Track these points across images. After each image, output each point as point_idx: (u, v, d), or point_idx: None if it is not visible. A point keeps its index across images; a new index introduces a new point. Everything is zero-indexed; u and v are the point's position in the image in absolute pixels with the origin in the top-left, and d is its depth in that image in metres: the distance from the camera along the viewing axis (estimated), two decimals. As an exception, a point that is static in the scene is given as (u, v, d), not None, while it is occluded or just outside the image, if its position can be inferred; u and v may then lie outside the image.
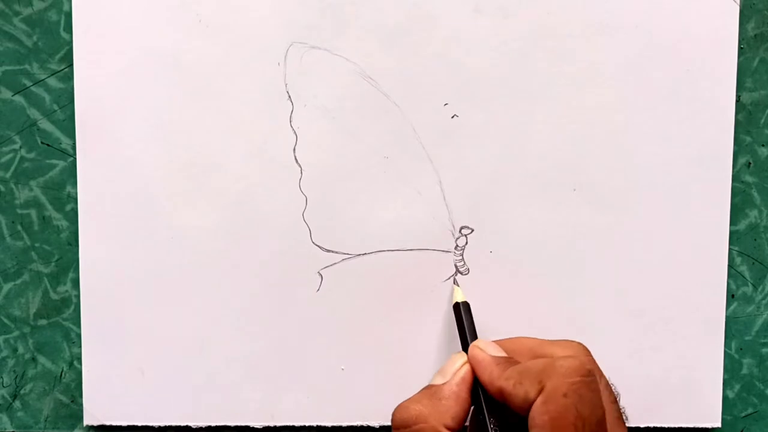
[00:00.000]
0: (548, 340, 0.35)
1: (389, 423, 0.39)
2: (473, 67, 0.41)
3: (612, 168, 0.41)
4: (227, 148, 0.41)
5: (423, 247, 0.42)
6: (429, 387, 0.34)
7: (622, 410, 0.33)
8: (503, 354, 0.35)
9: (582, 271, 0.42)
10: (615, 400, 0.33)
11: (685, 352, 0.42)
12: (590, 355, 0.34)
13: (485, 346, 0.35)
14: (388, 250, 0.42)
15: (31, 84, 0.41)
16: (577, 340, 0.42)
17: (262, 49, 0.41)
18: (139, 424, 0.42)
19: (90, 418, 0.42)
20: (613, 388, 0.33)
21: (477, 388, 0.34)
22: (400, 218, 0.41)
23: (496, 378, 0.33)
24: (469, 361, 0.35)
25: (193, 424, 0.42)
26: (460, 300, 0.40)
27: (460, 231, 0.41)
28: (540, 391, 0.30)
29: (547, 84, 0.41)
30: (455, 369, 0.35)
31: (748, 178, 0.42)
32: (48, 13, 0.41)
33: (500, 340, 0.36)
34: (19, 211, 0.42)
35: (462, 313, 0.39)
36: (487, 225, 0.41)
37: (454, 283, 0.41)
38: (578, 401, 0.29)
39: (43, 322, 0.42)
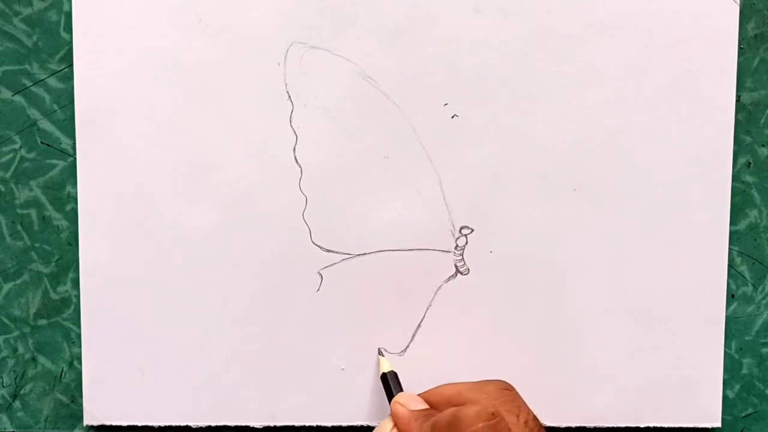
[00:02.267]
0: (469, 384, 0.36)
1: (389, 423, 0.39)
2: (473, 67, 0.41)
3: (612, 168, 0.41)
4: (227, 148, 0.41)
5: (423, 247, 0.42)
6: None
7: None
8: (424, 406, 0.36)
9: (582, 271, 0.42)
10: None
11: (685, 352, 0.42)
12: (508, 394, 0.35)
13: (406, 400, 0.36)
14: (388, 250, 0.42)
15: (31, 84, 0.41)
16: (576, 339, 0.42)
17: (262, 49, 0.41)
18: (139, 424, 0.42)
19: (90, 418, 0.42)
20: (537, 420, 0.34)
21: None
22: (400, 218, 0.41)
23: None
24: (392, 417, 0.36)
25: (193, 424, 0.42)
26: (386, 370, 0.40)
27: (460, 231, 0.41)
28: None
29: (547, 84, 0.41)
30: None
31: (748, 178, 0.42)
32: (48, 13, 0.41)
33: (425, 392, 0.37)
34: (19, 211, 0.42)
35: (390, 383, 0.40)
36: (487, 225, 0.41)
37: (379, 353, 0.41)
38: None
39: (43, 322, 0.42)
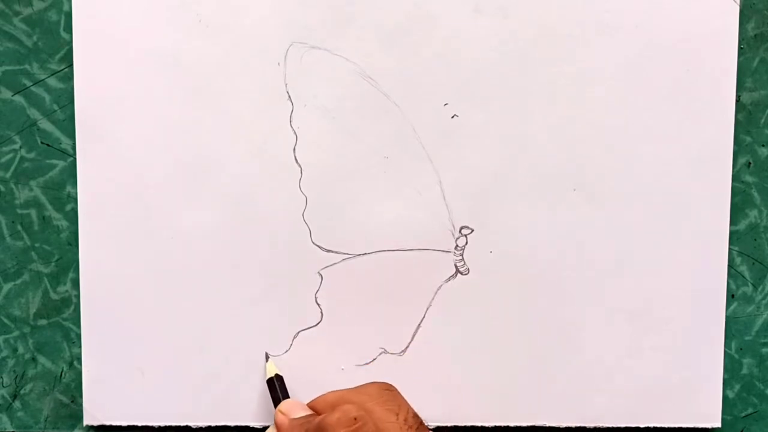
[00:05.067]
0: (349, 391, 0.36)
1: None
2: (473, 67, 0.41)
3: (612, 168, 0.41)
4: (227, 148, 0.41)
5: (423, 247, 0.42)
6: None
7: None
8: (307, 413, 0.36)
9: (582, 271, 0.42)
10: (417, 431, 0.34)
11: (685, 352, 0.42)
12: (388, 394, 0.35)
13: (289, 408, 0.37)
14: (388, 250, 0.42)
15: (31, 84, 0.41)
16: (576, 339, 0.42)
17: (262, 49, 0.41)
18: (139, 424, 0.42)
19: (90, 418, 0.42)
20: (417, 417, 0.34)
21: None
22: (400, 218, 0.41)
23: None
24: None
25: (193, 424, 0.42)
26: (271, 375, 0.40)
27: (460, 231, 0.41)
28: None
29: (547, 84, 0.41)
30: None
31: (748, 178, 0.42)
32: (48, 13, 0.41)
33: (312, 400, 0.37)
34: (19, 211, 0.42)
35: (276, 387, 0.40)
36: (487, 225, 0.41)
37: (266, 359, 0.41)
38: None
39: (43, 322, 0.42)
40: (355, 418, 0.32)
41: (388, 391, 0.36)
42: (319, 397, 0.38)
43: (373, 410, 0.34)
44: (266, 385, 0.41)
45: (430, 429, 0.34)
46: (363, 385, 0.37)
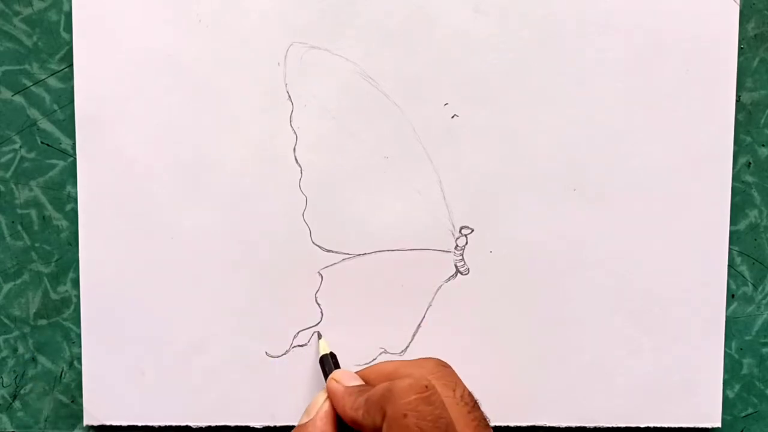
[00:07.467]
0: (406, 361, 0.36)
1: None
2: (473, 67, 0.41)
3: (612, 168, 0.41)
4: (227, 148, 0.41)
5: (423, 247, 0.42)
6: (296, 428, 0.36)
7: (485, 416, 0.34)
8: (359, 383, 0.36)
9: (582, 271, 0.42)
10: (473, 409, 0.33)
11: (685, 352, 0.42)
12: (444, 370, 0.35)
13: (341, 376, 0.36)
14: (388, 250, 0.42)
15: (31, 84, 0.41)
16: (576, 339, 0.42)
17: (262, 49, 0.41)
18: (139, 424, 0.42)
19: (90, 418, 0.42)
20: (472, 396, 0.34)
21: (341, 420, 0.35)
22: (400, 218, 0.41)
23: (348, 409, 0.34)
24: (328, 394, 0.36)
25: (193, 424, 0.42)
26: (325, 352, 0.40)
27: (460, 231, 0.41)
28: (384, 418, 0.31)
29: (547, 84, 0.41)
30: (318, 406, 0.36)
31: (748, 178, 0.42)
32: (48, 13, 0.41)
33: (362, 370, 0.37)
34: (19, 211, 0.42)
35: (331, 364, 0.39)
36: (487, 225, 0.41)
37: (318, 337, 0.41)
38: (418, 418, 0.30)
39: (43, 322, 0.42)
40: (426, 386, 0.31)
41: (444, 367, 0.35)
42: (370, 367, 0.37)
43: None
44: (318, 363, 0.40)
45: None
46: (418, 359, 0.36)
